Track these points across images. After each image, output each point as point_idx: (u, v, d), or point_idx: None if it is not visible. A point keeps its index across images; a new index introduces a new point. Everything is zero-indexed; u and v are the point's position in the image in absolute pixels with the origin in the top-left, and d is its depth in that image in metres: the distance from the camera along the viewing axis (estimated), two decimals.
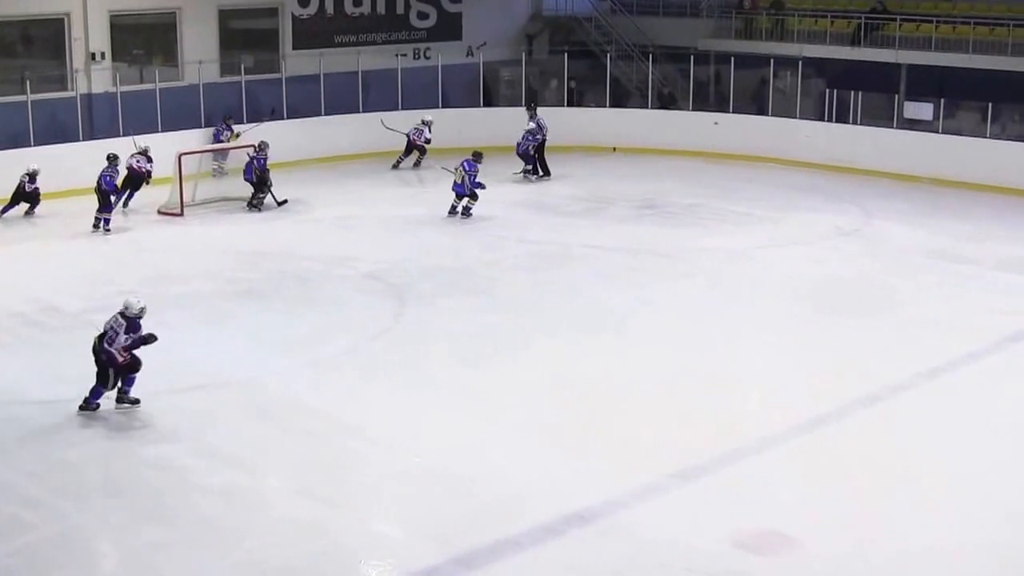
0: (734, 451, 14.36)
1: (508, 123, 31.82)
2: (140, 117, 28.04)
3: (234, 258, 22.62)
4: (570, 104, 34.52)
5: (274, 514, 12.78)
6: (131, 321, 15.20)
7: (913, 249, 23.81)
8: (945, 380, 17.02)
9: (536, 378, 16.75)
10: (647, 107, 34.30)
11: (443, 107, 33.00)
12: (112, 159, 24.29)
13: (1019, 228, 25.29)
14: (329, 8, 33.61)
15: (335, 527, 12.57)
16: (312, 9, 33.35)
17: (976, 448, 14.63)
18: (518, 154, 29.14)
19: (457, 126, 32.03)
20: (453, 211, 25.35)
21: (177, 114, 28.69)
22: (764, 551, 12.20)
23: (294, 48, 32.79)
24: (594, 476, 13.68)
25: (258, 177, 25.69)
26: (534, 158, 29.19)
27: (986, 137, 30.16)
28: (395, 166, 30.20)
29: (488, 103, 34.46)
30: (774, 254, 23.49)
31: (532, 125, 29.11)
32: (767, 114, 32.84)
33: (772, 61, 33.45)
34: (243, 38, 32.72)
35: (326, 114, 31.15)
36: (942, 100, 30.88)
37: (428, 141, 30.22)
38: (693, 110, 33.95)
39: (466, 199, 25.24)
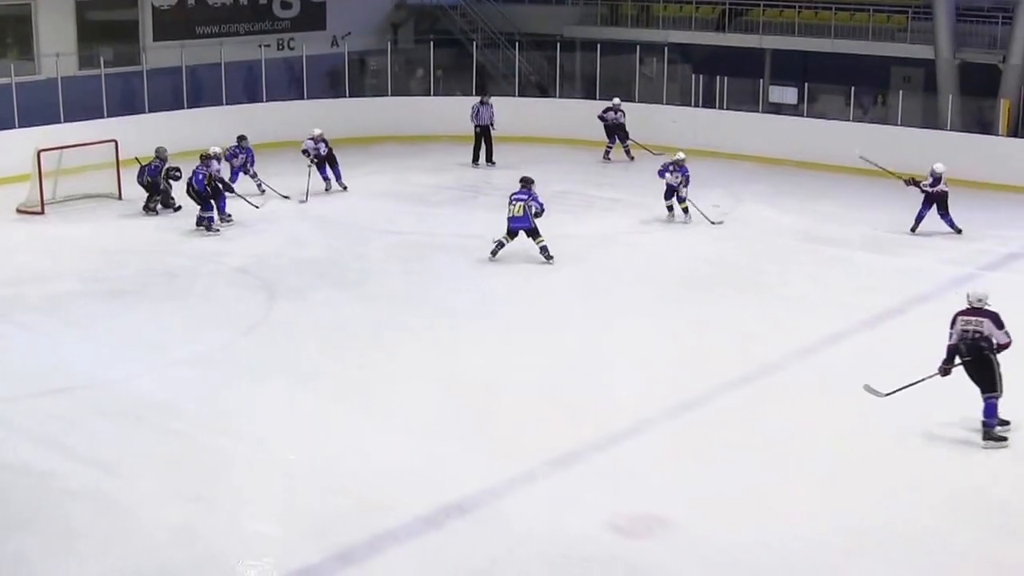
0: (608, 436, 14.42)
1: (375, 113, 31.79)
2: None
3: (99, 257, 22.17)
4: (436, 93, 34.49)
5: (144, 518, 12.53)
6: (992, 316, 14.20)
7: (780, 231, 24.15)
8: (814, 359, 17.29)
9: (409, 369, 16.69)
10: (514, 95, 34.38)
11: (308, 98, 32.75)
12: (203, 158, 23.84)
13: (882, 209, 25.72)
14: None
15: (208, 528, 12.37)
16: None
17: (846, 425, 14.84)
18: None
19: (323, 117, 31.81)
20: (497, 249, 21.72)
21: (35, 109, 28.02)
22: (640, 534, 12.26)
23: (155, 40, 32.24)
24: (470, 466, 13.65)
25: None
26: None
27: (849, 120, 30.75)
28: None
29: (354, 93, 34.21)
30: (644, 239, 23.68)
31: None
32: (634, 100, 32.99)
33: (638, 48, 33.68)
34: (102, 30, 31.97)
35: (189, 107, 30.69)
36: (806, 84, 31.37)
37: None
38: (560, 97, 34.10)
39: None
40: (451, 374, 16.47)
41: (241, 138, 26.57)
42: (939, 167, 23.27)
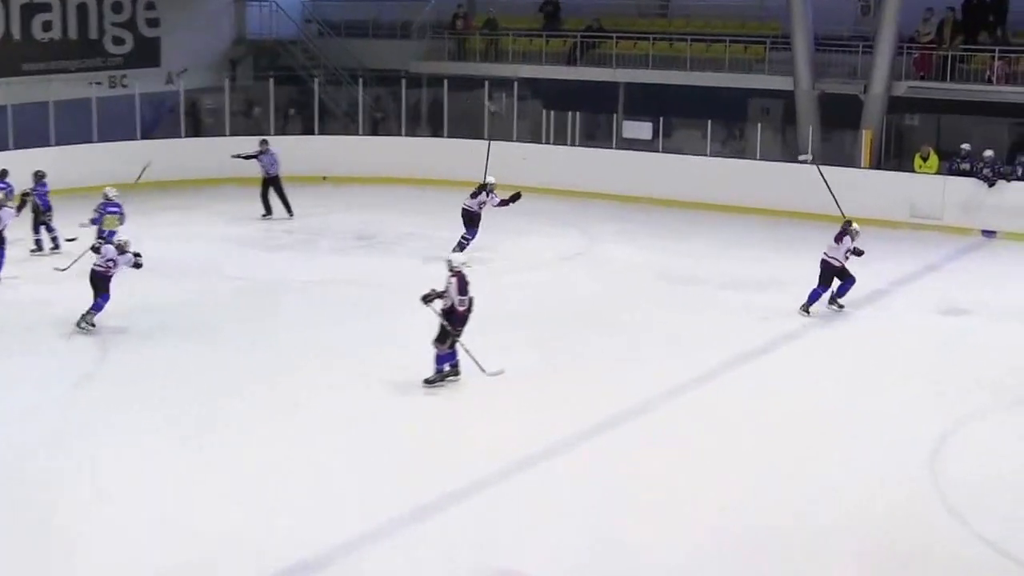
0: (465, 488, 14.21)
1: (212, 153, 31.31)
2: None
3: None
4: (278, 133, 34.17)
5: None
6: None
7: (637, 270, 24.20)
8: (678, 400, 17.30)
9: (251, 420, 16.31)
10: (358, 133, 34.22)
11: (143, 139, 32.22)
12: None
13: (740, 246, 26.01)
14: (15, 32, 32.47)
15: None
16: None
17: (706, 462, 15.03)
18: None
19: (159, 158, 31.36)
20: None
21: None
22: None
23: None
24: (325, 520, 13.33)
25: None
26: None
27: (706, 155, 31.03)
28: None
29: (190, 133, 33.76)
30: (495, 281, 23.40)
31: None
32: (483, 137, 32.94)
33: (487, 83, 33.76)
34: None
35: (15, 148, 29.85)
36: (661, 119, 31.59)
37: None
38: (406, 135, 34.02)
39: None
40: (297, 424, 16.14)
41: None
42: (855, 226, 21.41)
